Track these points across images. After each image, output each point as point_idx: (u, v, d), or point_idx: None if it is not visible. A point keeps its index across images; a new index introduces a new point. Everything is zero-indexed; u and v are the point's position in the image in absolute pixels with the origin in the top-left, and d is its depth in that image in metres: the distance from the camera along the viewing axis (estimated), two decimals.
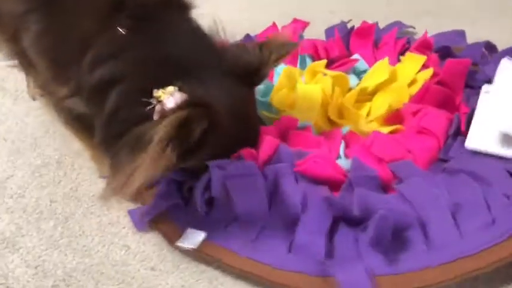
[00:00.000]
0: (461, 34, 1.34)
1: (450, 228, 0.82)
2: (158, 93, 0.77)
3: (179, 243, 0.87)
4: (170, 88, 0.77)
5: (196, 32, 0.86)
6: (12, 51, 0.97)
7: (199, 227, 0.88)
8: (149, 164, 0.72)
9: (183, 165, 0.83)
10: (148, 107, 0.77)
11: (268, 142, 0.90)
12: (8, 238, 0.94)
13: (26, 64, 0.96)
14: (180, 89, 0.77)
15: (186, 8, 0.88)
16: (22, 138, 1.19)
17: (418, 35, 1.41)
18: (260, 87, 1.16)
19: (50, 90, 0.93)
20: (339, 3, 1.73)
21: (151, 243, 0.92)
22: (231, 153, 0.87)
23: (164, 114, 0.75)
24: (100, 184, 1.04)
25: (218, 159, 0.85)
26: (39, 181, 1.06)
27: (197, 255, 0.87)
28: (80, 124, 1.02)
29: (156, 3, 0.83)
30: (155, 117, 0.77)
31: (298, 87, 1.10)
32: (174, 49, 0.81)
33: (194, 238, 0.87)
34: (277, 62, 0.88)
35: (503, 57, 1.08)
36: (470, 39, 1.33)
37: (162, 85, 0.77)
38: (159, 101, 0.77)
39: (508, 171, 0.88)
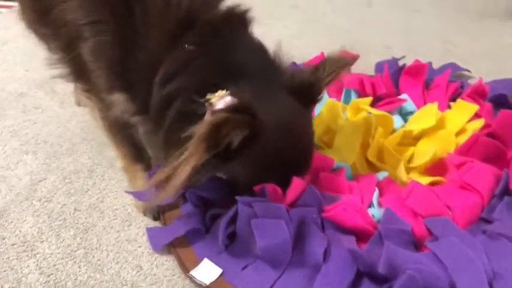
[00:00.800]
0: None
1: None
2: (210, 95, 0.77)
3: (193, 273, 0.84)
4: (221, 92, 0.77)
5: (256, 46, 0.86)
6: (63, 58, 0.98)
7: (216, 260, 0.85)
8: (186, 159, 0.72)
9: (218, 172, 0.83)
10: (201, 109, 0.78)
11: (295, 183, 0.84)
12: (29, 242, 0.94)
13: (78, 71, 0.96)
14: (232, 94, 0.76)
15: (246, 25, 0.88)
16: (61, 142, 1.21)
17: (474, 79, 1.34)
18: None
19: (101, 97, 0.94)
20: (396, 39, 1.67)
21: (164, 267, 0.89)
22: (272, 174, 0.82)
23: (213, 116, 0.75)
24: (126, 199, 1.04)
25: (255, 179, 0.82)
26: (68, 187, 1.07)
27: None
28: (122, 132, 1.02)
29: (222, 19, 0.84)
30: (206, 118, 0.77)
31: (339, 124, 1.05)
32: (234, 58, 0.82)
33: (209, 273, 0.84)
34: (333, 77, 0.84)
35: None
36: None
37: (217, 89, 0.77)
38: (210, 104, 0.77)
39: None
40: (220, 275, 0.83)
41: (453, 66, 1.37)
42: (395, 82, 1.25)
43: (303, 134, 0.84)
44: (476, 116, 1.07)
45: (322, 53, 1.31)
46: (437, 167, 0.99)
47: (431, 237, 0.85)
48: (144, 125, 0.95)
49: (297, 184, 0.83)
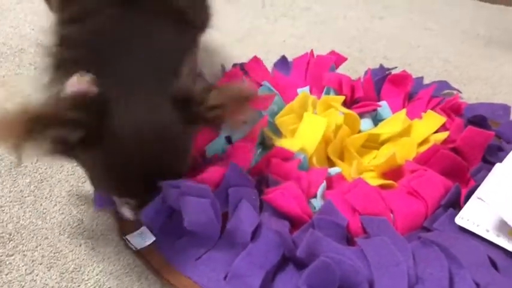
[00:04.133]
0: (505, 108, 1.23)
1: None
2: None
3: (128, 237, 0.86)
4: (81, 74, 0.70)
5: (162, 42, 0.78)
6: None
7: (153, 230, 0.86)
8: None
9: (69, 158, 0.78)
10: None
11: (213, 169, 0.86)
12: None
13: None
14: (93, 82, 0.70)
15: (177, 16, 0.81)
16: None
17: (465, 100, 1.32)
18: (273, 108, 1.14)
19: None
20: (398, 52, 1.66)
21: (104, 226, 0.91)
22: (119, 181, 0.75)
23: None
24: None
25: (101, 183, 0.80)
26: None
27: (140, 258, 0.84)
28: None
29: None
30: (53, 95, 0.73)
31: (304, 115, 1.05)
32: (120, 42, 0.74)
33: (143, 240, 0.85)
34: (224, 109, 0.74)
35: None
36: None
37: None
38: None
39: (490, 258, 0.79)
40: (153, 245, 0.84)
41: (444, 85, 1.36)
42: (378, 89, 1.24)
43: (163, 149, 0.73)
44: (445, 129, 1.05)
45: (311, 51, 1.32)
46: (394, 172, 0.98)
47: (365, 235, 0.84)
48: None
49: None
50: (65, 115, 0.65)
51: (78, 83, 0.69)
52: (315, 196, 0.91)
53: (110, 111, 0.68)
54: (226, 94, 0.75)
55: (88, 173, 0.80)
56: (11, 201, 0.94)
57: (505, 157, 0.99)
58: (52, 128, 0.65)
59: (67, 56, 0.77)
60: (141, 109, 0.71)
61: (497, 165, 0.92)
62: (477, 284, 0.76)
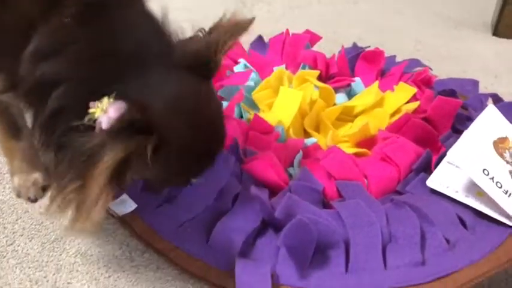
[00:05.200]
0: (475, 83, 1.27)
1: (375, 257, 0.77)
2: (93, 109, 0.65)
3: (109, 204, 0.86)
4: (105, 102, 0.64)
5: (143, 19, 0.74)
6: None
7: (134, 198, 0.87)
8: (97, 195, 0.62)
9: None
10: (85, 121, 0.65)
11: None
12: None
13: None
14: (116, 101, 0.65)
15: None
16: None
17: (438, 78, 1.36)
18: (250, 84, 1.16)
19: None
20: (371, 34, 1.70)
21: None
22: (189, 167, 0.74)
23: (101, 132, 0.64)
24: None
25: (172, 177, 0.76)
26: None
27: (124, 225, 0.85)
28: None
29: None
30: (97, 130, 0.65)
31: (280, 89, 1.08)
32: (121, 45, 0.69)
33: (124, 206, 0.86)
34: (229, 44, 0.74)
35: (504, 108, 1.01)
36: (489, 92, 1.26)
37: (100, 95, 0.65)
38: (95, 120, 0.65)
39: (459, 217, 0.83)
40: (135, 212, 0.85)
41: (415, 62, 1.39)
42: (351, 66, 1.27)
43: (210, 115, 0.75)
44: (416, 100, 1.09)
45: (287, 30, 1.34)
46: (367, 142, 1.01)
47: (340, 199, 0.87)
48: (19, 103, 0.79)
49: None
50: (132, 147, 0.62)
51: (111, 108, 0.64)
52: (292, 165, 0.93)
53: (152, 112, 0.65)
54: (227, 33, 0.74)
55: (159, 176, 0.74)
56: None
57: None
58: (132, 168, 0.63)
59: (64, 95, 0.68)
60: (172, 93, 0.70)
61: (465, 132, 0.95)
62: (447, 240, 0.79)
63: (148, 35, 0.72)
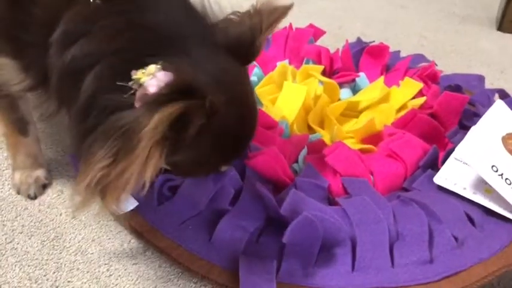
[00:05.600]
0: (480, 79, 1.25)
1: (382, 255, 0.76)
2: (137, 74, 0.61)
3: None
4: (151, 67, 0.61)
5: (181, 2, 0.72)
6: None
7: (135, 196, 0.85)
8: (137, 167, 0.58)
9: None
10: (128, 93, 0.61)
11: None
12: None
13: None
14: (164, 68, 0.61)
15: None
16: None
17: (444, 73, 1.34)
18: (253, 79, 1.14)
19: None
20: (376, 29, 1.68)
21: None
22: (225, 153, 0.70)
23: (147, 99, 0.59)
24: None
25: (206, 162, 0.70)
26: None
27: (125, 224, 0.84)
28: (4, 101, 0.85)
29: None
30: (137, 104, 0.61)
31: (284, 84, 1.06)
32: (154, 19, 0.67)
33: (125, 204, 0.84)
34: (271, 28, 0.73)
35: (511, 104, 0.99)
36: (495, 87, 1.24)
37: (142, 64, 0.61)
38: (140, 85, 0.61)
39: (467, 214, 0.81)
40: (136, 209, 0.83)
41: (420, 57, 1.37)
42: (356, 61, 1.25)
43: (251, 100, 0.73)
44: (422, 95, 1.07)
45: (290, 24, 1.32)
46: (373, 138, 1.00)
47: (346, 196, 0.85)
48: (45, 102, 0.75)
49: None
50: (189, 108, 0.58)
51: (152, 75, 0.60)
52: (296, 161, 0.92)
53: (201, 81, 0.62)
54: (269, 18, 0.72)
55: (191, 158, 0.68)
56: None
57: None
58: (184, 123, 0.59)
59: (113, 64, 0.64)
60: (218, 71, 0.66)
61: (473, 128, 0.93)
62: (455, 238, 0.78)
63: (184, 12, 0.70)
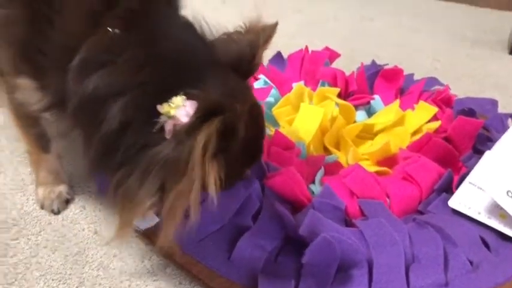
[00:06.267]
0: (494, 103, 1.27)
1: (398, 277, 0.77)
2: (165, 108, 0.63)
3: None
4: (178, 100, 0.63)
5: (184, 25, 0.74)
6: None
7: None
8: (197, 186, 0.60)
9: None
10: (155, 127, 0.63)
11: None
12: None
13: None
14: (189, 97, 0.63)
15: (173, 2, 0.78)
16: None
17: (457, 97, 1.36)
18: (270, 100, 1.17)
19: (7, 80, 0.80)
20: (389, 52, 1.71)
21: (107, 210, 0.93)
22: (245, 164, 0.75)
23: (180, 129, 0.62)
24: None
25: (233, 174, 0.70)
26: None
27: (146, 239, 0.86)
28: (28, 120, 0.88)
29: None
30: (168, 136, 0.63)
31: (301, 105, 1.08)
32: (169, 47, 0.69)
33: (146, 221, 0.87)
34: (265, 45, 0.76)
35: None
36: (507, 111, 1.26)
37: (164, 96, 0.63)
38: (169, 117, 0.63)
39: (482, 238, 0.82)
40: (157, 226, 0.85)
41: (433, 80, 1.39)
42: (370, 84, 1.28)
43: (258, 106, 0.77)
44: (436, 119, 1.09)
45: (306, 47, 1.35)
46: (389, 160, 1.01)
47: (363, 218, 0.87)
48: (61, 123, 0.78)
49: None
50: (227, 120, 0.61)
51: (188, 102, 0.62)
52: (313, 182, 0.94)
53: (222, 102, 0.64)
54: (263, 34, 0.75)
55: (233, 166, 0.69)
56: (13, 189, 0.96)
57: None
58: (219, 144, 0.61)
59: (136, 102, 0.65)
60: (232, 90, 0.70)
61: (487, 153, 0.95)
62: (470, 262, 0.79)
63: (192, 36, 0.73)
